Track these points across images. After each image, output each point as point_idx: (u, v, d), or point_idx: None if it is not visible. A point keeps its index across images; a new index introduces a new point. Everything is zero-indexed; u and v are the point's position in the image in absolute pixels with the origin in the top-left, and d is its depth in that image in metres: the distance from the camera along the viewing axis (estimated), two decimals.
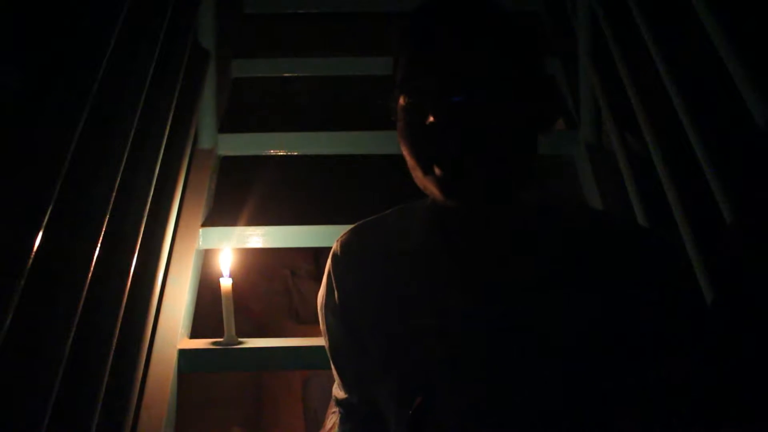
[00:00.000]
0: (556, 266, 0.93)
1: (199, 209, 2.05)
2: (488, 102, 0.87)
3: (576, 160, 2.25)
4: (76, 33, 1.40)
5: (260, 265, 2.83)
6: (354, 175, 2.34)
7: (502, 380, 0.93)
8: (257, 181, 2.24)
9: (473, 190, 0.89)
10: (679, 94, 1.57)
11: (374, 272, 1.02)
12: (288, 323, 2.96)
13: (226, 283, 1.80)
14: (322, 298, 1.07)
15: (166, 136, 1.74)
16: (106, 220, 1.34)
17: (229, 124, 2.34)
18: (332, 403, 1.14)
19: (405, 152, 0.92)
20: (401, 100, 0.91)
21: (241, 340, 1.83)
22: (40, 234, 1.08)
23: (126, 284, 1.44)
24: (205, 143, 2.24)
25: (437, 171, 0.88)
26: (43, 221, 1.09)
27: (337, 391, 1.11)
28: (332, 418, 1.13)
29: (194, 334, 1.91)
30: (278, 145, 2.30)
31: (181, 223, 1.96)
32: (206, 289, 2.05)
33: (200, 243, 2.01)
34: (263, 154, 2.31)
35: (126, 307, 1.42)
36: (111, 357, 1.34)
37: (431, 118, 0.87)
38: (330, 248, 1.07)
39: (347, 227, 1.08)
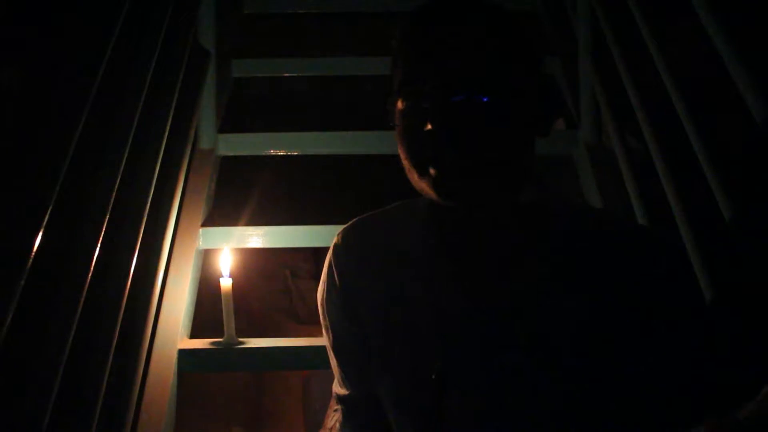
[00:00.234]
0: (556, 266, 0.93)
1: (199, 209, 2.05)
2: (488, 104, 0.87)
3: (576, 160, 2.25)
4: (76, 33, 1.40)
5: (260, 265, 2.84)
6: (354, 175, 2.34)
7: (501, 380, 0.93)
8: (257, 181, 2.24)
9: (469, 191, 0.89)
10: (679, 93, 1.57)
11: (374, 265, 1.02)
12: (288, 323, 2.97)
13: (226, 283, 1.80)
14: (322, 292, 1.07)
15: (166, 136, 1.74)
16: (106, 220, 1.34)
17: (229, 124, 2.34)
18: (333, 401, 1.14)
19: (402, 155, 0.92)
20: (399, 103, 0.91)
21: (241, 340, 1.83)
22: (40, 234, 1.08)
23: (126, 284, 1.44)
24: (205, 143, 2.24)
25: (432, 172, 0.88)
26: (43, 221, 1.09)
27: (338, 388, 1.11)
28: (333, 417, 1.13)
29: (194, 334, 1.91)
30: (278, 145, 2.30)
31: (181, 223, 1.96)
32: (206, 289, 2.05)
33: (200, 243, 2.01)
34: (263, 154, 2.31)
35: (126, 307, 1.42)
36: (111, 357, 1.34)
37: (429, 125, 0.87)
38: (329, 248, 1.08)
39: None
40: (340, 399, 1.11)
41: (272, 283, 3.01)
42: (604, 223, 1.00)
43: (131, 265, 1.47)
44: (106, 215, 1.35)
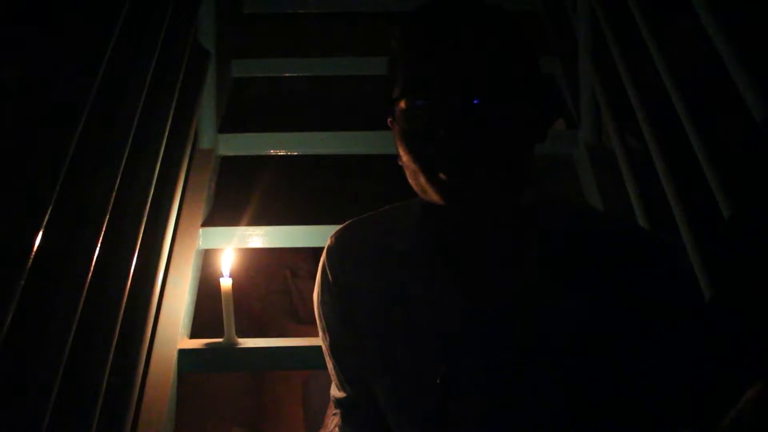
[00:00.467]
0: (556, 267, 0.93)
1: (199, 209, 2.05)
2: (491, 105, 0.87)
3: (576, 160, 2.25)
4: (76, 33, 1.40)
5: (260, 265, 2.83)
6: (354, 175, 2.34)
7: (501, 380, 0.93)
8: (257, 181, 2.24)
9: (477, 195, 0.89)
10: (679, 93, 1.57)
11: (369, 267, 1.01)
12: (288, 323, 2.96)
13: (226, 283, 1.80)
14: (317, 294, 1.07)
15: (166, 136, 1.74)
16: (106, 220, 1.34)
17: (229, 124, 2.34)
18: (332, 404, 1.14)
19: (405, 157, 0.91)
20: (401, 104, 0.91)
21: (241, 340, 1.83)
22: (40, 234, 1.08)
23: (126, 284, 1.44)
24: (205, 143, 2.24)
25: (443, 176, 0.88)
26: (43, 221, 1.09)
27: (336, 391, 1.11)
28: (333, 420, 1.12)
29: (194, 334, 1.91)
30: (278, 145, 2.30)
31: (181, 223, 1.96)
32: (206, 289, 2.05)
33: (200, 243, 2.01)
34: (263, 154, 2.31)
35: (126, 307, 1.42)
36: (111, 357, 1.34)
37: (437, 130, 0.86)
38: None
39: None
40: (339, 402, 1.11)
41: (272, 283, 3.01)
42: (604, 224, 1.00)
43: (131, 265, 1.47)
44: (106, 215, 1.35)
